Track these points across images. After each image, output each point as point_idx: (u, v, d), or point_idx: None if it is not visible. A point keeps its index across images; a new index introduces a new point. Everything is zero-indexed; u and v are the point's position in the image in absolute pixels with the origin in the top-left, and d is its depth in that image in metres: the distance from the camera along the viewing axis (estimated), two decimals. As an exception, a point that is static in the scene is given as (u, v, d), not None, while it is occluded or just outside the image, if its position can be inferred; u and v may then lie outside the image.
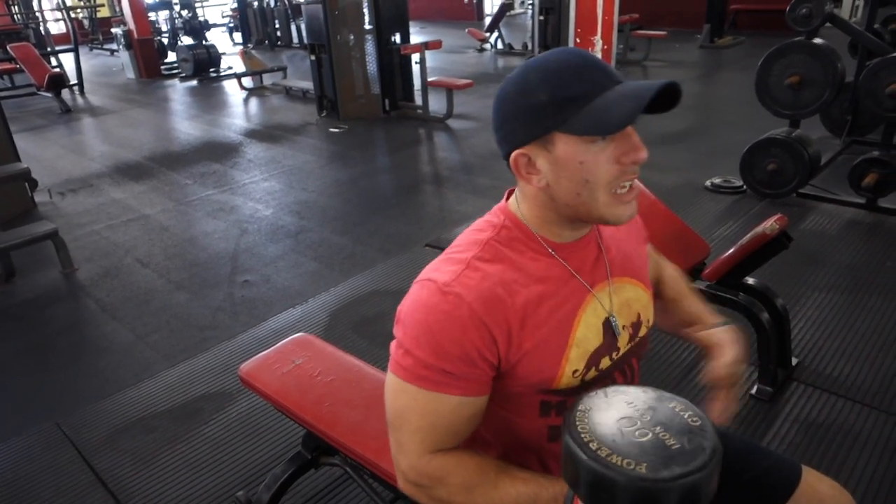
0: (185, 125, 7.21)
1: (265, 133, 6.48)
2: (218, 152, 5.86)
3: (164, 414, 2.32)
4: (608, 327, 0.95)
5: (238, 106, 8.15)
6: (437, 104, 6.43)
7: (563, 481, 0.71)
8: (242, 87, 8.66)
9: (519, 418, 0.95)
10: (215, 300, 3.16)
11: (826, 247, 3.20)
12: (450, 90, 6.16)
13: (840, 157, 3.86)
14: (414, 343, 0.87)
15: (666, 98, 0.84)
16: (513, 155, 0.89)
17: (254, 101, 8.26)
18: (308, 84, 7.44)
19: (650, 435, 0.62)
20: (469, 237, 0.96)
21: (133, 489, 1.98)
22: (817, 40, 3.43)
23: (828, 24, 3.45)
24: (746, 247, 2.04)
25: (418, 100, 6.63)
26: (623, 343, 0.98)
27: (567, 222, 0.92)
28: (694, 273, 2.24)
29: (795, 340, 2.42)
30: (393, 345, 0.91)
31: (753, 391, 2.17)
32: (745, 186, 3.85)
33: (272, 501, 1.75)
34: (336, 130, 6.31)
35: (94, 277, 3.49)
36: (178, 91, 9.26)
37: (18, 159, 4.43)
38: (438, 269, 0.91)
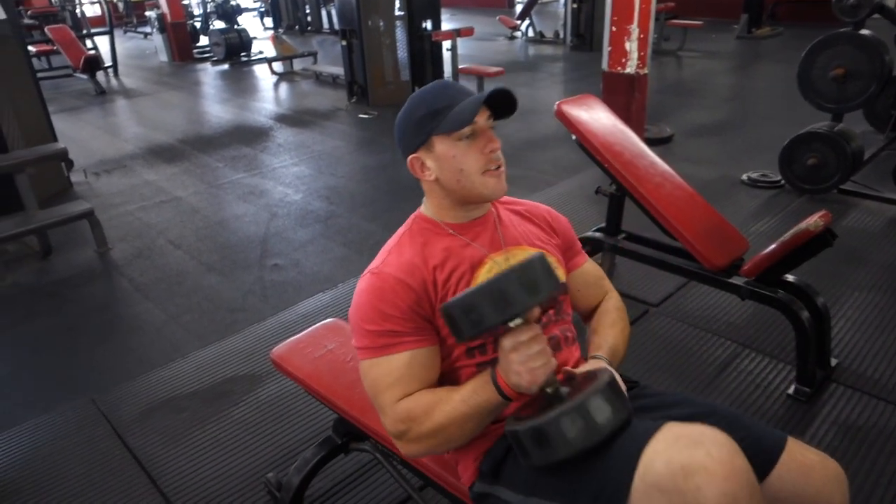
0: (216, 108, 7.27)
1: (295, 118, 6.50)
2: (248, 136, 5.89)
3: (195, 395, 2.35)
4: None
5: (268, 90, 8.19)
6: (467, 92, 6.38)
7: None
8: (273, 72, 8.70)
9: (457, 364, 1.17)
10: (246, 283, 3.18)
11: (867, 245, 3.11)
12: (480, 78, 6.11)
13: (883, 152, 3.74)
14: (365, 320, 1.11)
15: (507, 102, 1.16)
16: (409, 159, 1.19)
17: (284, 86, 8.29)
18: (338, 69, 7.44)
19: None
20: (391, 239, 1.25)
21: (165, 467, 2.01)
22: (864, 31, 3.32)
23: (875, 15, 3.33)
24: (789, 243, 1.98)
25: (448, 87, 6.57)
26: None
27: (460, 206, 1.21)
28: (732, 269, 2.19)
29: (835, 340, 2.36)
30: (353, 344, 1.15)
31: (791, 391, 2.12)
32: (783, 181, 3.75)
33: (302, 484, 1.76)
34: (365, 116, 6.30)
35: (127, 257, 3.54)
36: (210, 74, 9.33)
37: (56, 140, 4.51)
38: (370, 266, 1.19)
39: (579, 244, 1.39)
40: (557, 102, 2.46)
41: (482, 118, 1.14)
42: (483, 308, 0.93)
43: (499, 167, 1.16)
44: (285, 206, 4.15)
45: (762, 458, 1.06)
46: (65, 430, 2.21)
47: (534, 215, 1.33)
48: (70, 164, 4.63)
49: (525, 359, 0.96)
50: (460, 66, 6.21)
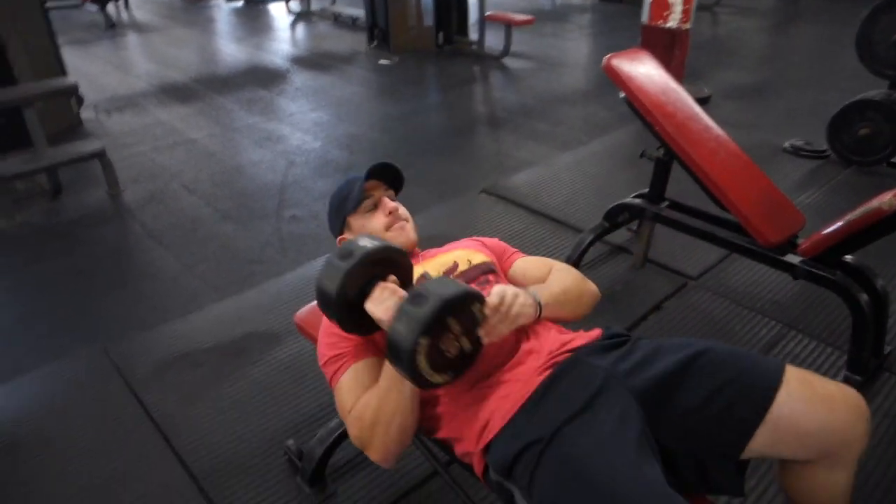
0: (230, 48, 7.01)
1: (313, 61, 6.25)
2: (264, 78, 5.67)
3: (212, 350, 2.25)
4: (418, 280, 1.32)
5: (284, 31, 7.89)
6: (493, 40, 6.10)
7: None
8: (289, 11, 8.37)
9: None
10: (263, 234, 3.05)
11: (918, 224, 2.94)
12: (508, 26, 5.82)
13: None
14: (325, 349, 1.27)
15: (392, 173, 1.46)
16: (338, 241, 1.46)
17: (301, 27, 7.98)
18: (358, 11, 7.12)
19: None
20: None
21: (180, 426, 1.93)
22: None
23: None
24: (857, 222, 1.82)
25: (473, 35, 6.30)
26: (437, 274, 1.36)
27: None
28: (787, 246, 2.04)
29: (889, 327, 2.22)
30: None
31: (840, 379, 2.00)
32: (829, 151, 3.55)
33: (325, 455, 1.68)
34: (386, 62, 6.05)
35: (139, 200, 3.41)
36: (224, 12, 9.00)
37: (65, 74, 4.32)
38: None
39: (512, 250, 1.53)
40: (606, 57, 2.27)
41: (378, 191, 1.44)
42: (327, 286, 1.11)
43: (401, 223, 1.43)
44: (303, 153, 3.99)
45: (760, 383, 1.08)
46: (75, 381, 2.13)
47: (457, 244, 1.52)
48: (80, 99, 4.46)
49: (378, 304, 1.10)
50: (487, 13, 5.91)
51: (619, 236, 2.80)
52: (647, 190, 2.49)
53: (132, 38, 7.60)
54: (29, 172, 3.19)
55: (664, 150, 2.32)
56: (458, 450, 1.22)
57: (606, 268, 2.65)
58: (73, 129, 4.41)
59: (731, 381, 1.09)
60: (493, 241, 1.54)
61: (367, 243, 1.12)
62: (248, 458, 1.81)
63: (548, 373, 1.16)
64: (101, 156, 3.33)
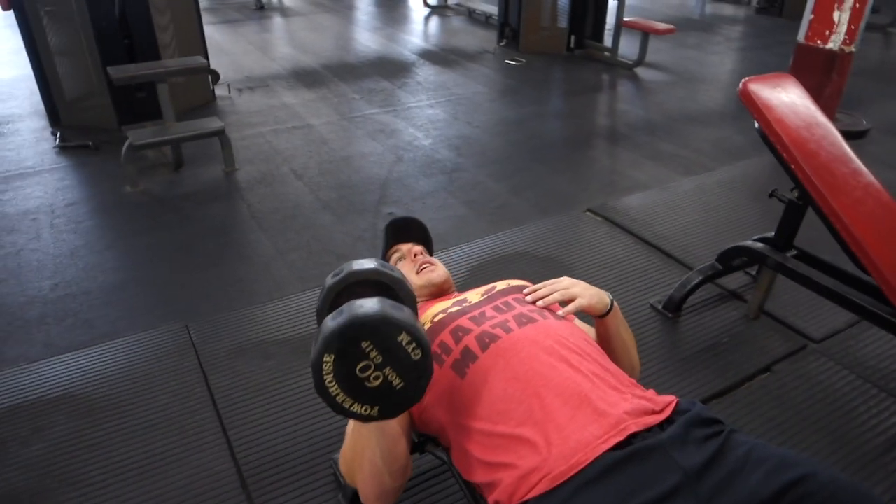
0: (364, 36, 7.17)
1: (440, 56, 6.24)
2: (390, 69, 5.73)
3: (284, 343, 2.25)
4: (458, 302, 1.36)
5: (418, 23, 7.96)
6: (627, 48, 5.79)
7: None
8: (426, 4, 8.44)
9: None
10: (358, 228, 3.04)
11: None
12: (646, 34, 5.49)
13: None
14: None
15: (414, 227, 1.69)
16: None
17: (434, 20, 8.02)
18: (493, 8, 7.03)
19: None
20: None
21: (239, 416, 1.92)
22: None
23: None
24: None
25: (608, 41, 6.00)
26: (475, 299, 1.36)
27: (421, 297, 1.49)
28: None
29: None
30: None
31: None
32: None
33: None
34: (513, 63, 5.91)
35: (250, 181, 3.52)
36: (365, 1, 9.24)
37: (205, 53, 4.57)
38: None
39: None
40: (744, 80, 2.00)
41: (405, 246, 1.62)
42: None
43: (425, 265, 1.54)
44: (412, 150, 3.95)
45: None
46: (155, 354, 2.20)
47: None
48: (216, 77, 4.70)
49: None
50: (625, 19, 5.60)
51: (735, 280, 2.51)
52: (772, 234, 2.19)
53: (277, 21, 7.98)
54: (156, 143, 3.39)
55: (799, 193, 2.02)
56: (491, 498, 1.07)
57: (713, 314, 2.37)
58: (207, 104, 4.67)
59: None
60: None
61: (357, 264, 1.09)
62: (296, 463, 1.77)
63: (614, 442, 0.96)
64: (220, 134, 3.47)
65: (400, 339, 0.91)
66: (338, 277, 1.06)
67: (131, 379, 2.09)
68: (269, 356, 2.19)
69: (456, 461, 1.15)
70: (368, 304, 0.92)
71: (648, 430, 1.00)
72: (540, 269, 2.65)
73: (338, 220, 3.12)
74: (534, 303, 1.29)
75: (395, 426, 1.09)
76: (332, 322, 0.91)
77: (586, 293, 1.30)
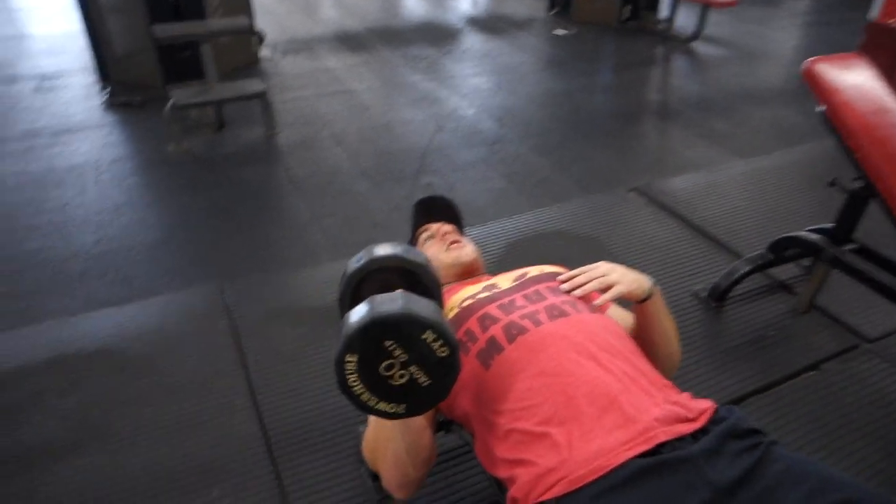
0: (412, 1, 7.03)
1: (487, 23, 6.08)
2: (435, 36, 5.61)
3: (316, 310, 2.24)
4: (487, 287, 1.30)
5: (468, -12, 7.77)
6: (684, 21, 5.54)
7: None
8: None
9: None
10: (394, 197, 3.00)
11: None
12: (705, 6, 5.23)
13: None
14: None
15: (443, 205, 1.66)
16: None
17: (484, -14, 7.81)
18: (544, -25, 6.79)
19: None
20: None
21: (268, 382, 1.93)
22: None
23: None
24: None
25: (664, 12, 5.75)
26: (505, 284, 1.31)
27: (449, 276, 1.47)
28: None
29: None
30: None
31: None
32: None
33: (392, 454, 1.58)
34: (562, 33, 5.73)
35: (290, 145, 3.51)
36: (414, -36, 9.06)
37: (249, 14, 4.53)
38: None
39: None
40: (808, 60, 1.87)
41: (434, 225, 1.58)
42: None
43: (454, 243, 1.51)
44: (454, 120, 3.87)
45: None
46: (189, 314, 2.21)
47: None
48: (260, 38, 4.67)
49: None
50: (683, -11, 5.35)
51: (785, 270, 2.39)
52: (830, 225, 2.07)
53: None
54: (198, 104, 3.39)
55: (862, 183, 1.89)
56: (509, 494, 1.03)
57: (760, 306, 2.26)
58: (250, 65, 4.65)
59: None
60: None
61: (379, 249, 1.07)
62: (322, 433, 1.76)
63: (640, 450, 0.91)
64: (261, 97, 3.45)
65: (425, 336, 0.87)
66: (359, 264, 1.03)
67: (165, 337, 2.11)
68: (301, 322, 2.18)
69: (479, 453, 1.12)
70: (391, 301, 0.89)
71: (679, 439, 0.93)
72: (578, 249, 2.57)
73: (375, 188, 3.08)
74: (569, 292, 1.23)
75: (420, 418, 1.06)
76: (353, 320, 0.88)
77: (625, 279, 1.22)
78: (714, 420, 0.97)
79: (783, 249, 2.17)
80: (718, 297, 2.23)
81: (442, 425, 1.49)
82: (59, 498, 1.59)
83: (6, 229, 2.74)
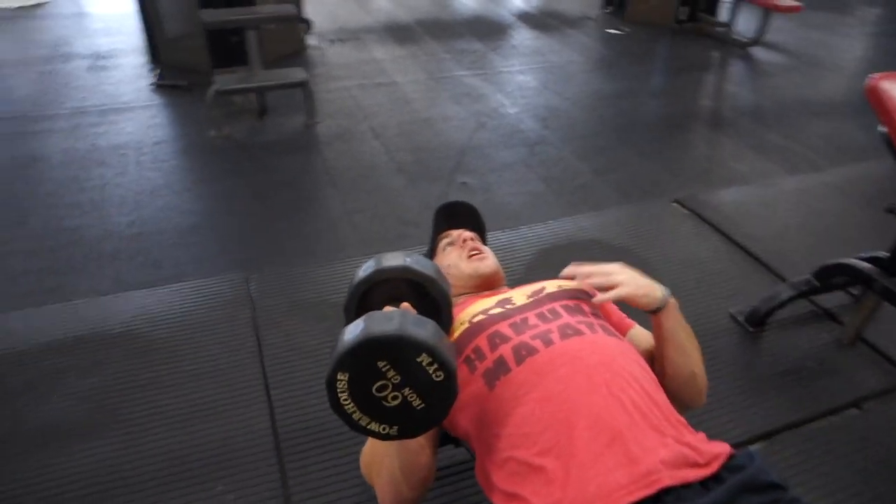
0: (464, -7, 6.96)
1: (538, 19, 5.97)
2: (484, 30, 5.53)
3: (339, 306, 2.17)
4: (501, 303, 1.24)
5: (522, -17, 7.65)
6: (745, 25, 5.32)
7: None
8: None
9: (465, 387, 1.06)
10: (429, 196, 2.95)
11: None
12: (768, 10, 5.01)
13: None
14: None
15: (466, 212, 1.60)
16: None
17: (539, -19, 7.67)
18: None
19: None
20: None
21: (284, 377, 1.91)
22: None
23: None
24: None
25: (723, 15, 5.54)
26: (520, 300, 1.23)
27: (466, 287, 1.42)
28: None
29: None
30: None
31: None
32: None
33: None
34: (614, 32, 5.57)
35: (329, 136, 3.50)
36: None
37: (298, 2, 4.53)
38: None
39: (625, 315, 1.36)
40: (873, 76, 1.74)
41: (456, 232, 1.52)
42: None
43: (475, 252, 1.44)
44: (496, 118, 3.80)
45: None
46: (215, 302, 2.22)
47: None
48: (309, 26, 4.68)
49: None
50: (746, -8, 5.13)
51: (832, 297, 2.26)
52: (885, 253, 1.93)
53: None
54: (240, 90, 3.41)
55: (924, 212, 1.76)
56: None
57: (801, 334, 2.14)
58: (297, 53, 4.67)
59: None
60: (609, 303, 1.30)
61: (387, 259, 1.05)
62: (332, 433, 1.74)
63: (641, 496, 0.84)
64: (304, 86, 3.44)
65: (420, 359, 0.83)
66: (366, 274, 1.00)
67: (188, 324, 2.12)
68: (323, 318, 2.16)
69: (478, 474, 1.07)
70: (387, 321, 0.85)
71: (687, 486, 0.86)
72: (612, 259, 2.46)
73: (410, 185, 3.04)
74: (571, 278, 1.17)
75: (417, 438, 1.01)
76: (346, 338, 0.85)
77: (632, 283, 1.14)
78: (729, 467, 0.90)
79: (831, 276, 2.04)
80: (757, 321, 2.12)
81: (451, 439, 1.44)
82: (70, 478, 1.60)
83: (51, 205, 2.80)
